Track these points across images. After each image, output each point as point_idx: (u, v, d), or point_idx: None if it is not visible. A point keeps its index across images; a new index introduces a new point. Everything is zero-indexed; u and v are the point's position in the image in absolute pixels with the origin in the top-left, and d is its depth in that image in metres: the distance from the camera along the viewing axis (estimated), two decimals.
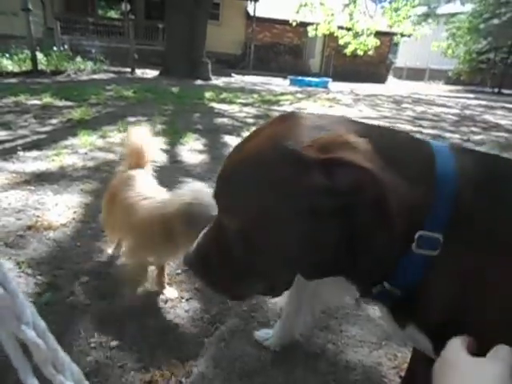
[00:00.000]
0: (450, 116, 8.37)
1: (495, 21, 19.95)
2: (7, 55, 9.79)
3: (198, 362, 1.35)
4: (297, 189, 0.57)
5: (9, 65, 9.36)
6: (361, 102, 9.75)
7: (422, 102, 11.25)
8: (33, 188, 2.66)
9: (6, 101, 5.67)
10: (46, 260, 1.84)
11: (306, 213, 0.57)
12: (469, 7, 21.08)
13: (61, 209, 2.39)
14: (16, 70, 9.26)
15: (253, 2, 18.83)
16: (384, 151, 0.61)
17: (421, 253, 0.61)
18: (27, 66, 9.52)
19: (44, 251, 1.91)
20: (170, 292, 1.70)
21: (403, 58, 28.34)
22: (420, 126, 6.65)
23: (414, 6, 15.51)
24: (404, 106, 9.76)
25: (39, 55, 9.84)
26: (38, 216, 2.26)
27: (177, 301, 1.67)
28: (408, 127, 6.38)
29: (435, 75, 26.14)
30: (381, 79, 21.76)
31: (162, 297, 1.68)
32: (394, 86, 19.21)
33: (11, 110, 5.16)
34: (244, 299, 0.78)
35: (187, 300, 1.68)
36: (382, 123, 6.47)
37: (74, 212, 2.36)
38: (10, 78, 8.51)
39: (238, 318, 1.58)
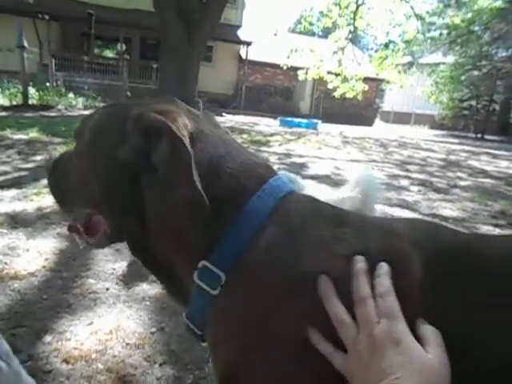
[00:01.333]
0: (436, 161, 8.49)
1: (476, 72, 20.88)
2: None
3: None
4: (117, 130, 0.66)
5: None
6: (349, 144, 9.88)
7: (408, 145, 11.46)
8: (5, 231, 2.51)
9: None
10: (7, 316, 1.68)
11: (118, 147, 0.64)
12: (451, 59, 22.11)
13: (32, 255, 2.24)
14: (6, 103, 9.25)
15: (245, 46, 19.49)
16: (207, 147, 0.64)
17: (201, 286, 0.59)
18: (18, 100, 9.53)
19: (5, 305, 1.75)
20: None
21: (390, 102, 29.30)
22: (407, 170, 6.70)
23: (399, 56, 16.19)
24: (391, 149, 9.91)
25: (31, 90, 9.89)
26: (5, 263, 2.11)
27: (148, 365, 1.51)
28: (395, 171, 6.42)
29: (420, 119, 26.94)
30: (368, 122, 22.33)
31: (131, 361, 1.52)
32: (381, 129, 19.67)
33: None
34: (73, 216, 0.80)
35: (160, 365, 1.53)
36: (369, 167, 6.51)
37: (46, 259, 2.21)
38: (0, 111, 8.47)
39: None
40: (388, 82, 17.95)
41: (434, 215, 3.97)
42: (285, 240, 0.58)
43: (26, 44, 9.20)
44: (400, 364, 0.44)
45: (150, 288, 2.07)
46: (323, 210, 0.64)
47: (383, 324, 0.49)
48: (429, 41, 19.22)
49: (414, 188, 5.22)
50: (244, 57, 19.74)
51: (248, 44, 19.33)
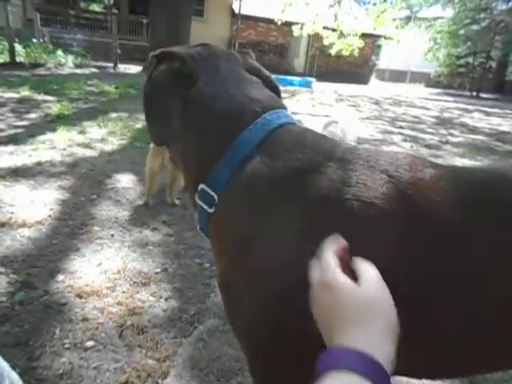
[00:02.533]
0: (429, 118, 8.52)
1: (474, 26, 20.37)
2: None
3: (175, 362, 1.34)
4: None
5: None
6: (343, 102, 9.83)
7: (402, 103, 11.42)
8: (8, 184, 2.58)
9: None
10: (20, 258, 1.79)
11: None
12: (449, 12, 21.48)
13: (36, 206, 2.33)
14: None
15: (238, 0, 18.75)
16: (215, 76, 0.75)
17: (201, 205, 0.71)
18: (5, 57, 9.25)
19: (18, 249, 1.86)
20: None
21: (386, 60, 28.70)
22: (400, 127, 6.75)
23: (397, 10, 15.70)
24: (385, 107, 9.89)
25: (17, 47, 9.57)
26: (12, 213, 2.20)
27: (154, 300, 1.65)
28: (388, 128, 6.47)
29: (416, 77, 26.53)
30: (364, 80, 21.97)
31: (139, 296, 1.66)
32: (376, 88, 19.43)
33: None
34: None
35: (166, 299, 1.66)
36: (363, 123, 6.55)
37: (51, 209, 2.31)
38: None
39: (217, 318, 1.58)
40: (385, 38, 17.47)
41: None
42: (265, 167, 0.65)
43: None
44: (332, 305, 0.46)
45: (153, 234, 2.19)
46: (312, 139, 0.69)
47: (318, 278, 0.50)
48: None
49: (406, 144, 5.31)
50: (237, 11, 19.03)
51: None
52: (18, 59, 9.25)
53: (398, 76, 27.28)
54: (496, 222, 0.59)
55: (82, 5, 19.14)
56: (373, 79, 23.80)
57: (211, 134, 0.71)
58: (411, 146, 5.17)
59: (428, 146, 5.29)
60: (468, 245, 0.58)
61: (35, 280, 1.66)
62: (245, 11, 19.08)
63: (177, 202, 2.59)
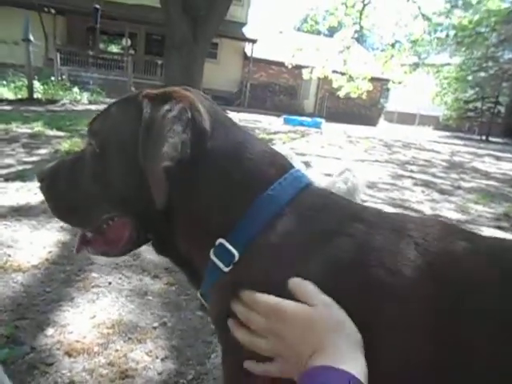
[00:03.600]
0: (440, 162, 8.46)
1: (482, 73, 20.79)
2: (4, 82, 9.84)
3: None
4: (132, 112, 0.68)
5: (5, 92, 9.37)
6: (353, 144, 9.86)
7: (412, 146, 11.42)
8: (9, 223, 2.52)
9: None
10: (10, 307, 1.68)
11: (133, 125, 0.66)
12: (457, 59, 21.99)
13: (35, 248, 2.24)
14: (11, 97, 9.27)
15: (250, 44, 19.45)
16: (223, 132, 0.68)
17: (216, 262, 0.62)
18: (23, 94, 9.54)
19: (9, 297, 1.75)
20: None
21: (394, 102, 29.21)
22: (411, 170, 6.68)
23: (405, 56, 16.12)
24: (395, 149, 9.88)
25: (36, 84, 9.89)
26: (8, 255, 2.11)
27: (150, 360, 1.51)
28: (399, 171, 6.40)
29: (425, 120, 26.85)
30: (372, 122, 22.26)
31: (133, 355, 1.52)
32: (385, 130, 19.62)
33: (1, 137, 5.07)
34: (86, 226, 0.76)
35: (162, 360, 1.53)
36: (373, 167, 6.49)
37: (49, 252, 2.21)
38: (5, 105, 8.48)
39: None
40: (393, 82, 17.86)
41: (438, 216, 3.96)
42: (298, 230, 0.59)
43: (31, 37, 9.20)
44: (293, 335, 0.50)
45: (153, 283, 2.08)
46: (339, 202, 0.66)
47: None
48: (435, 41, 19.10)
49: (418, 188, 5.21)
50: (249, 54, 19.70)
51: (253, 41, 19.29)
52: (35, 96, 9.52)
53: (406, 118, 27.65)
54: None
55: (101, 46, 19.99)
56: (381, 121, 24.12)
57: (238, 184, 0.64)
58: (423, 191, 5.07)
59: (440, 191, 5.18)
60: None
61: (23, 334, 1.54)
62: (257, 54, 19.76)
63: None
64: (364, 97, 16.79)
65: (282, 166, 0.68)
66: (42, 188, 0.77)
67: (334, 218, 0.61)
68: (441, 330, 0.51)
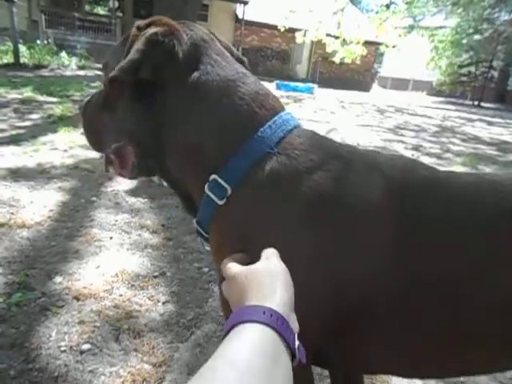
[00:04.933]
0: (431, 127, 8.53)
1: (477, 36, 20.46)
2: None
3: (171, 367, 1.33)
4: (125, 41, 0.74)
5: None
6: (345, 109, 9.86)
7: (404, 111, 11.45)
8: (8, 184, 2.58)
9: None
10: (18, 259, 1.79)
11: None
12: (452, 22, 21.58)
13: (36, 207, 2.33)
14: None
15: (242, 5, 18.85)
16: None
17: (210, 196, 0.68)
18: (9, 58, 9.30)
19: (16, 250, 1.86)
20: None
21: (388, 67, 28.83)
22: (402, 135, 6.76)
23: (400, 18, 15.76)
24: (387, 115, 9.92)
25: (22, 48, 9.63)
26: (12, 213, 2.20)
27: (152, 304, 1.64)
28: (390, 136, 6.47)
29: (418, 86, 26.64)
30: (366, 88, 22.05)
31: (136, 299, 1.65)
32: (378, 95, 19.49)
33: None
34: (101, 150, 0.87)
35: (163, 303, 1.66)
36: (364, 130, 6.56)
37: (50, 210, 2.30)
38: None
39: (215, 323, 1.57)
40: (387, 46, 17.54)
41: None
42: (285, 168, 0.67)
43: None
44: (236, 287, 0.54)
45: (152, 237, 2.19)
46: (321, 142, 0.73)
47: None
48: (431, 2, 18.67)
49: (407, 152, 5.31)
50: (240, 17, 19.14)
51: (245, 3, 18.69)
52: (22, 60, 9.29)
53: (399, 84, 27.40)
54: (482, 222, 0.63)
55: (87, 8, 19.25)
56: (375, 87, 23.90)
57: (230, 123, 0.70)
58: (412, 155, 5.17)
59: (429, 155, 5.29)
60: (459, 246, 0.63)
61: (33, 281, 1.65)
62: (248, 17, 19.19)
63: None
64: (358, 62, 16.55)
65: (272, 107, 0.74)
66: (81, 116, 0.87)
67: (317, 157, 0.68)
68: (401, 234, 0.63)
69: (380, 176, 0.67)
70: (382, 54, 23.81)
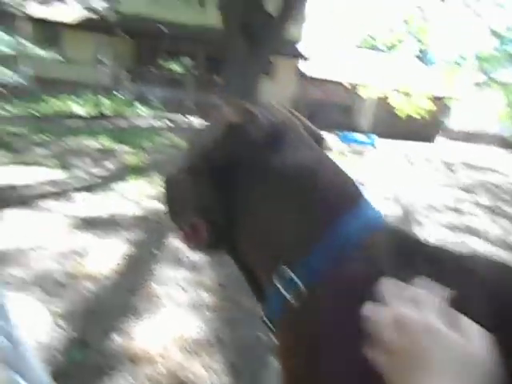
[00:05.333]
0: (508, 185, 7.92)
1: None
2: (78, 100, 10.70)
3: None
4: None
5: (76, 108, 10.17)
6: (410, 163, 9.53)
7: (476, 167, 10.81)
8: (80, 233, 2.72)
9: (69, 142, 6.06)
10: (81, 314, 1.81)
11: None
12: None
13: (103, 258, 2.40)
14: (82, 113, 10.03)
15: (305, 61, 19.60)
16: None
17: (279, 289, 0.61)
18: (93, 110, 10.30)
19: (80, 303, 1.89)
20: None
21: (457, 120, 27.90)
22: (476, 194, 6.32)
23: (469, 72, 15.41)
24: (457, 170, 9.42)
25: (104, 101, 10.65)
26: (79, 263, 2.28)
27: (206, 374, 1.56)
28: (462, 195, 6.07)
29: (490, 139, 25.32)
30: (432, 139, 21.41)
31: (191, 367, 1.58)
32: (446, 148, 18.76)
33: (72, 151, 5.50)
34: (180, 224, 0.84)
35: (218, 374, 1.57)
36: (432, 189, 6.23)
37: (115, 262, 2.36)
38: (76, 120, 9.19)
39: None
40: (455, 99, 17.10)
41: (506, 244, 3.72)
42: (365, 271, 0.59)
43: (102, 58, 9.96)
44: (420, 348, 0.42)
45: (209, 297, 2.14)
46: (410, 244, 0.64)
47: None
48: (503, 56, 18.09)
49: (482, 214, 4.92)
50: (304, 71, 19.85)
51: (308, 59, 19.44)
52: (104, 111, 10.23)
53: (470, 137, 26.25)
54: None
55: (164, 64, 21.12)
56: (441, 138, 23.12)
57: (306, 214, 0.65)
58: (488, 217, 4.78)
59: (509, 218, 4.85)
60: None
61: (91, 339, 1.65)
62: (312, 72, 19.86)
63: None
64: (424, 114, 16.23)
65: (352, 197, 0.67)
66: (164, 188, 0.89)
67: (405, 261, 0.60)
68: None
69: (480, 290, 0.56)
70: (449, 107, 23.19)
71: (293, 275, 0.61)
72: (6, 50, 12.24)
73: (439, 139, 22.86)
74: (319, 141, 0.83)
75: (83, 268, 2.23)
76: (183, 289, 2.20)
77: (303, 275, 0.61)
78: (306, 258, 0.62)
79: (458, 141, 26.05)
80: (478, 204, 5.53)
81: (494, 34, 14.24)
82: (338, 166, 0.73)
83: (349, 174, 0.71)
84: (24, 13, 13.02)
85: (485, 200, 5.92)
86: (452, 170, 9.28)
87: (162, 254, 2.58)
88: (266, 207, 0.68)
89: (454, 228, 4.07)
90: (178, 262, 2.51)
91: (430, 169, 8.94)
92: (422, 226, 3.97)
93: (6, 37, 11.90)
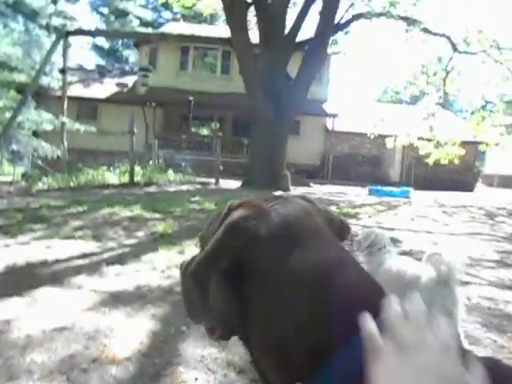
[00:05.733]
0: None
1: None
2: (111, 169, 11.25)
3: None
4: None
5: (111, 177, 10.65)
6: (447, 214, 9.16)
7: None
8: (107, 310, 2.67)
9: (103, 212, 6.25)
10: None
11: None
12: None
13: (128, 337, 2.32)
14: (116, 182, 10.47)
15: (331, 118, 20.05)
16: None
17: None
18: (126, 178, 10.73)
19: None
20: None
21: (492, 165, 27.14)
22: None
23: (499, 117, 15.21)
24: (499, 219, 8.93)
25: (137, 168, 11.12)
26: (105, 345, 2.21)
27: None
28: (506, 246, 5.69)
29: None
30: (468, 187, 20.74)
31: None
32: (484, 195, 18.07)
33: (105, 221, 5.65)
34: (196, 322, 0.82)
35: None
36: (474, 241, 5.89)
37: (141, 342, 2.27)
38: (111, 189, 9.58)
39: None
40: (487, 145, 16.75)
41: None
42: None
43: (135, 129, 10.56)
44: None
45: (238, 379, 1.99)
46: None
47: None
48: None
49: None
50: (330, 128, 20.23)
51: (334, 116, 19.88)
52: (135, 179, 10.64)
53: (509, 182, 25.30)
54: None
55: (193, 130, 22.19)
56: (479, 186, 22.39)
57: (318, 325, 0.57)
58: None
59: None
60: None
61: None
62: (338, 127, 20.22)
63: None
64: (456, 161, 15.90)
65: (375, 305, 0.57)
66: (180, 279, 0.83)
67: None
68: None
69: None
70: (483, 153, 22.70)
71: None
72: (47, 127, 13.31)
73: (480, 187, 22.18)
74: (344, 231, 0.78)
75: (108, 350, 2.15)
76: (211, 370, 2.06)
77: None
78: (317, 376, 0.55)
79: (495, 187, 25.16)
80: None
81: None
82: (358, 267, 0.65)
83: (370, 277, 0.64)
84: (66, 95, 14.20)
85: None
86: (494, 219, 8.82)
87: (189, 331, 2.47)
88: (274, 313, 0.61)
89: (501, 284, 3.75)
90: (206, 338, 2.38)
91: (470, 219, 8.54)
92: (465, 284, 3.69)
93: (47, 115, 12.97)
